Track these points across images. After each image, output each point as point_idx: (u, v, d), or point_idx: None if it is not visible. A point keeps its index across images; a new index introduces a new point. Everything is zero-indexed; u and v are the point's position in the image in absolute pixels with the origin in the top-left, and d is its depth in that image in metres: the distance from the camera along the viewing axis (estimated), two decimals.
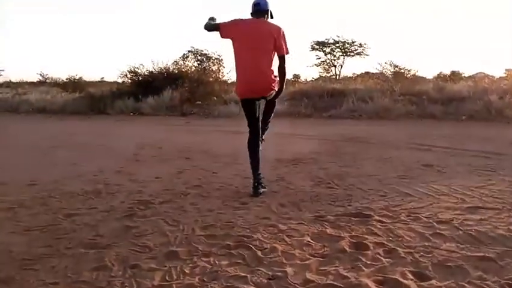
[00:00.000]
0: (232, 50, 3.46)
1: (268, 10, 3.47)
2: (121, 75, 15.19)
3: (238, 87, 3.53)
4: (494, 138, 6.85)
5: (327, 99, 12.24)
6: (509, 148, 5.89)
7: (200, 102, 13.72)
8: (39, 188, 3.76)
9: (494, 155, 5.32)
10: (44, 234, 2.54)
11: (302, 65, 32.84)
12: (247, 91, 3.46)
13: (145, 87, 13.67)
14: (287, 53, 3.41)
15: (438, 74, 28.62)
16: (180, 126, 10.27)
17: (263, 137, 3.76)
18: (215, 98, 14.27)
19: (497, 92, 10.79)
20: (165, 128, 9.73)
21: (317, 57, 27.70)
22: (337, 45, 26.62)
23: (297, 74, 26.95)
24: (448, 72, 27.62)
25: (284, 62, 3.44)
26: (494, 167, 4.51)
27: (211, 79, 14.80)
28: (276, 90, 3.50)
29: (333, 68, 27.65)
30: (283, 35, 3.38)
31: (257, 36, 3.34)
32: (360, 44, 26.46)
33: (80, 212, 3.01)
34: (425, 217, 2.80)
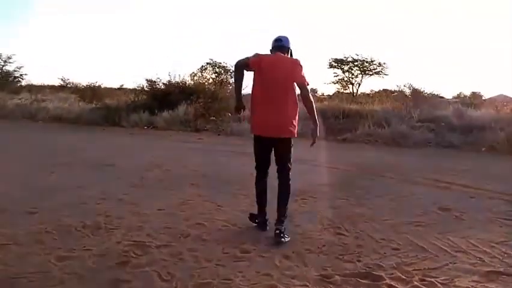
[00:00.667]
0: (252, 83, 3.38)
1: (289, 48, 3.41)
2: (139, 88, 15.22)
3: (255, 121, 3.40)
4: None
5: (342, 121, 12.01)
6: None
7: (214, 118, 13.65)
8: (38, 219, 3.66)
9: None
10: (30, 284, 2.40)
11: (320, 81, 32.56)
12: (264, 128, 3.33)
13: (161, 101, 13.67)
14: (308, 83, 3.30)
15: (458, 95, 28.10)
16: (192, 143, 10.18)
17: (283, 225, 3.32)
18: (230, 114, 14.19)
19: None
20: (177, 146, 9.65)
21: (335, 74, 27.66)
22: (356, 63, 26.49)
23: (314, 88, 26.94)
24: (468, 93, 27.11)
25: (308, 92, 3.31)
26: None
27: (227, 93, 14.71)
28: (295, 131, 3.37)
29: (350, 86, 27.49)
30: (301, 66, 3.30)
31: (279, 71, 3.25)
32: (380, 64, 26.30)
33: (73, 254, 2.87)
34: (441, 283, 2.56)
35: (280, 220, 3.31)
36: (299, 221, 3.86)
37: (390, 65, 26.85)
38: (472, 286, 2.53)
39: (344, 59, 26.48)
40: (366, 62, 26.37)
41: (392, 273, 2.70)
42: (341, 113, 12.47)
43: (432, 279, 2.61)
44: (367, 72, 26.55)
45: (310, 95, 3.32)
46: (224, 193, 4.95)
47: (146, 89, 15.10)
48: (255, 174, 3.59)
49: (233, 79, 3.50)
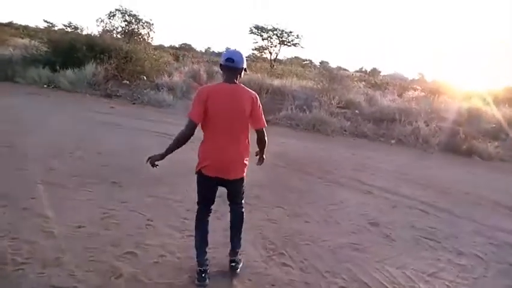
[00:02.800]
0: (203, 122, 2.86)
1: (243, 68, 2.88)
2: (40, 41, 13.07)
3: (204, 159, 2.90)
4: (427, 179, 7.05)
5: (265, 100, 11.86)
6: (442, 198, 6.05)
7: (128, 82, 12.47)
8: None
9: (432, 209, 5.41)
10: None
11: (239, 45, 31.96)
12: (215, 169, 2.89)
13: (65, 57, 11.95)
14: (264, 125, 2.95)
15: (360, 69, 30.03)
16: (104, 115, 9.12)
17: (238, 256, 3.18)
18: (145, 77, 13.10)
19: (424, 114, 11.35)
20: (86, 117, 8.54)
21: (254, 41, 27.33)
22: (275, 32, 26.37)
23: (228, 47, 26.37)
24: (368, 68, 29.18)
25: (264, 135, 3.01)
26: (436, 234, 4.52)
27: (143, 56, 13.47)
28: (244, 173, 3.04)
29: (268, 55, 27.47)
30: (259, 104, 2.89)
31: (234, 109, 2.78)
32: (297, 36, 26.54)
33: None
34: None
35: (235, 252, 3.13)
36: (243, 244, 3.61)
37: (306, 37, 27.40)
38: None
39: (265, 26, 26.16)
40: (285, 32, 26.41)
41: None
42: (265, 90, 12.30)
43: None
44: (285, 43, 26.65)
45: (266, 138, 3.05)
46: (153, 198, 4.46)
47: (44, 38, 13.06)
48: (195, 211, 3.13)
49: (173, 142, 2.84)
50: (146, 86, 12.34)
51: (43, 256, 2.96)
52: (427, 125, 10.70)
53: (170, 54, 23.13)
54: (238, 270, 3.10)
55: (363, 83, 20.99)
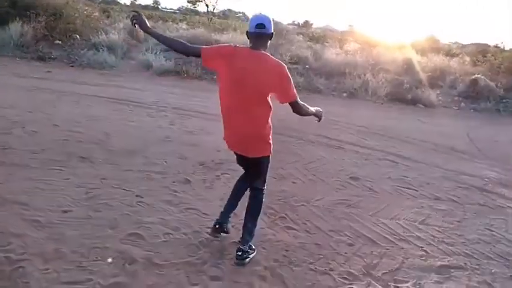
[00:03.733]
0: (218, 80, 2.67)
1: (272, 34, 2.56)
2: None
3: (224, 134, 2.76)
4: (386, 130, 7.38)
5: None
6: (404, 147, 6.40)
7: (61, 42, 11.27)
8: None
9: (399, 159, 5.71)
10: None
11: None
12: (232, 142, 2.74)
13: None
14: (294, 97, 2.57)
15: (292, 22, 30.13)
16: (42, 80, 8.21)
17: (246, 246, 2.84)
18: (78, 36, 11.92)
19: (369, 67, 11.74)
20: (24, 85, 7.61)
21: None
22: None
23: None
24: (302, 21, 29.43)
25: (299, 107, 2.63)
26: (411, 183, 4.80)
27: (74, 12, 12.14)
28: (270, 149, 2.74)
29: (204, 8, 26.27)
30: (288, 75, 2.53)
31: (253, 77, 2.46)
32: None
33: None
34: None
35: (245, 240, 2.83)
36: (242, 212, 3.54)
37: None
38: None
39: None
40: None
41: (369, 283, 2.73)
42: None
43: (404, 285, 2.75)
44: None
45: (301, 109, 2.66)
46: (132, 172, 4.17)
47: None
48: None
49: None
50: (82, 46, 11.24)
51: (40, 249, 2.65)
52: (374, 77, 11.10)
53: (96, 9, 21.16)
54: (245, 262, 2.77)
55: (301, 36, 20.99)
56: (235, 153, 2.79)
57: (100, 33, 11.97)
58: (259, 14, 2.58)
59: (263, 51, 2.54)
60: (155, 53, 11.10)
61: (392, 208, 4.02)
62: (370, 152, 5.96)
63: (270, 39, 2.57)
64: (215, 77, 10.76)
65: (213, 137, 5.69)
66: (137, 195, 3.65)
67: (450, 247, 3.36)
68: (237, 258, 2.77)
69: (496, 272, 3.05)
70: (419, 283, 2.81)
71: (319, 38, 22.37)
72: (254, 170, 2.83)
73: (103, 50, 10.87)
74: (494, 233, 3.73)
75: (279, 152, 5.39)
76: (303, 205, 3.88)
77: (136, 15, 2.57)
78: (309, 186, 4.37)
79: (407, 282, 2.80)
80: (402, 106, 10.42)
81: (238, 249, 2.79)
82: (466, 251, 3.32)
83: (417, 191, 4.59)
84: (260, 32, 2.51)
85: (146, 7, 47.26)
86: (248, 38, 2.56)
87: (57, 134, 5.02)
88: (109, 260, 2.63)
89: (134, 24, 2.57)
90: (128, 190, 3.74)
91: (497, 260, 3.23)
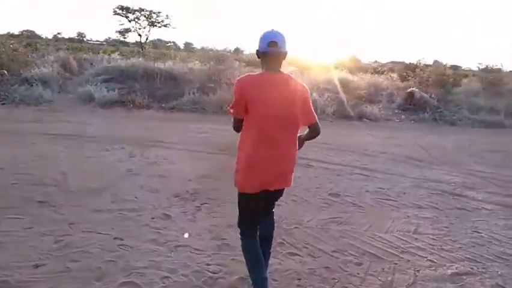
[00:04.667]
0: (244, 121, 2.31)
1: (287, 53, 2.29)
2: None
3: (247, 174, 2.30)
4: (346, 145, 7.49)
5: (160, 85, 11.06)
6: (367, 160, 6.52)
7: None
8: None
9: (367, 171, 5.77)
10: None
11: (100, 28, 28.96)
12: (264, 182, 2.30)
13: None
14: (316, 119, 2.37)
15: (224, 49, 30.66)
16: None
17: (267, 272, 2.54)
18: (5, 72, 10.90)
19: (314, 87, 12.04)
20: None
21: (120, 23, 25.22)
22: (142, 12, 24.76)
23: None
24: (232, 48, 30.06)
25: (319, 130, 2.40)
26: (389, 194, 4.83)
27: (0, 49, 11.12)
28: None
29: (136, 37, 25.76)
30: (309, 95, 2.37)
31: (287, 106, 2.23)
32: (167, 16, 25.42)
33: None
34: None
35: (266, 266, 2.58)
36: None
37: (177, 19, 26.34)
38: None
39: (130, 7, 24.29)
40: (154, 12, 25.02)
41: None
42: (157, 75, 11.43)
43: None
44: (155, 24, 25.27)
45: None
46: (103, 213, 3.71)
47: None
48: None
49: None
50: (12, 82, 10.28)
51: None
52: (320, 97, 11.39)
53: (21, 43, 19.78)
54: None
55: (237, 62, 21.22)
56: (255, 197, 2.34)
57: (30, 67, 11.07)
58: (272, 30, 2.28)
59: (284, 73, 2.29)
60: (96, 84, 10.48)
61: (382, 221, 3.97)
62: (339, 167, 5.96)
63: (284, 59, 2.30)
64: (163, 105, 10.54)
65: (179, 166, 5.39)
66: (116, 238, 3.22)
67: (451, 254, 3.34)
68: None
69: (502, 273, 3.07)
70: None
71: (255, 63, 22.87)
72: (277, 197, 2.51)
73: (36, 85, 10.03)
74: (482, 234, 3.80)
75: None
76: (296, 227, 3.69)
77: None
78: (295, 208, 4.20)
79: None
80: (350, 122, 10.76)
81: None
82: (467, 256, 3.32)
83: (397, 201, 4.61)
84: (274, 52, 2.23)
85: (71, 40, 45.21)
86: (259, 58, 2.29)
87: (4, 178, 4.38)
88: None
89: None
90: (104, 233, 3.30)
91: (498, 261, 3.26)
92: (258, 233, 2.48)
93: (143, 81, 11.10)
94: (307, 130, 2.42)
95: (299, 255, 3.16)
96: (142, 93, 10.07)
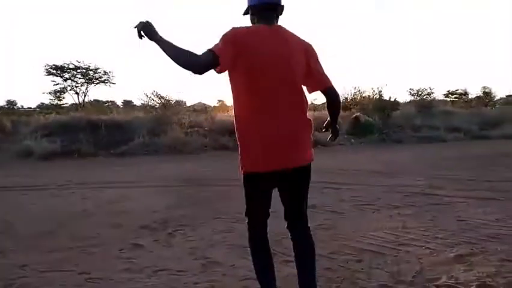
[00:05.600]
0: (233, 84, 1.87)
1: (283, 7, 1.93)
2: None
3: (253, 151, 1.83)
4: (317, 166, 7.41)
5: (106, 133, 10.51)
6: (335, 176, 6.45)
7: None
8: None
9: (338, 185, 5.67)
10: None
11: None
12: (273, 157, 1.82)
13: None
14: (332, 83, 1.96)
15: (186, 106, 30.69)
16: None
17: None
18: None
19: None
20: None
21: (54, 83, 24.19)
22: (79, 70, 24.02)
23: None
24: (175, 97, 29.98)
25: (338, 95, 2.00)
26: (365, 200, 4.72)
27: None
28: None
29: (75, 96, 24.80)
30: (318, 55, 1.97)
31: (286, 57, 1.83)
32: (105, 72, 24.85)
33: None
34: (452, 283, 2.44)
35: None
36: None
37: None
38: (473, 276, 2.52)
39: (65, 65, 23.49)
40: (91, 70, 24.38)
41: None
42: (101, 124, 10.89)
43: (441, 282, 2.45)
44: (92, 81, 24.58)
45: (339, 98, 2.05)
46: (61, 252, 3.20)
47: None
48: (247, 235, 2.09)
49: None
50: None
51: None
52: None
53: None
54: None
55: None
56: (265, 179, 1.89)
57: None
58: None
59: (280, 25, 1.92)
60: (35, 139, 9.73)
61: (367, 222, 3.81)
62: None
63: (281, 15, 1.93)
64: (112, 151, 9.93)
65: (140, 202, 4.96)
66: (81, 273, 2.73)
67: (446, 240, 3.22)
68: None
69: (502, 249, 2.97)
70: (452, 275, 2.54)
71: (201, 109, 22.96)
72: (302, 184, 2.00)
73: None
74: (467, 221, 3.74)
75: (224, 198, 4.93)
76: (283, 238, 3.38)
77: (145, 25, 1.77)
78: (276, 221, 3.91)
79: (440, 278, 2.50)
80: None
81: None
82: (462, 240, 3.21)
83: (374, 205, 4.50)
84: (267, 3, 1.86)
85: (1, 108, 42.61)
86: (253, 14, 1.92)
87: None
88: None
89: (141, 36, 1.78)
90: (66, 270, 2.80)
91: (493, 241, 3.17)
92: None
93: (86, 132, 10.47)
94: (326, 107, 2.02)
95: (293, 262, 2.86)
96: (87, 143, 9.47)
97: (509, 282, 2.42)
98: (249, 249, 2.12)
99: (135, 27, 1.78)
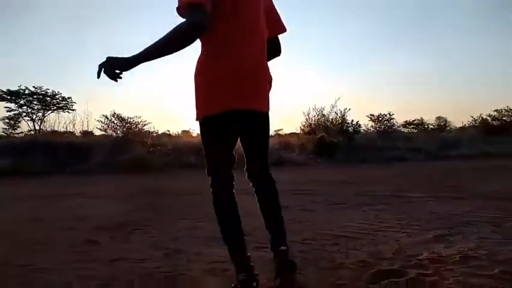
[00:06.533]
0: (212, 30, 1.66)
1: None
2: None
3: (219, 86, 1.67)
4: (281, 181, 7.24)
5: (63, 154, 9.94)
6: (306, 185, 6.32)
7: None
8: None
9: (308, 191, 5.53)
10: None
11: None
12: (240, 92, 1.69)
13: None
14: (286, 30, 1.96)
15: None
16: None
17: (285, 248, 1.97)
18: None
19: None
20: None
21: (8, 109, 23.03)
22: (35, 96, 23.06)
23: None
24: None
25: (280, 47, 2.00)
26: (335, 200, 4.60)
27: None
28: None
29: (30, 123, 23.65)
30: None
31: (256, 8, 1.77)
32: (64, 98, 24.00)
33: None
34: (434, 257, 2.30)
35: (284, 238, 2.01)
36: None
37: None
38: (454, 250, 2.40)
39: (21, 91, 22.49)
40: (48, 96, 23.47)
41: (392, 264, 2.20)
42: (57, 145, 10.32)
43: (424, 256, 2.31)
44: (50, 107, 23.61)
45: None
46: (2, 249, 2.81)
47: None
48: (214, 228, 1.90)
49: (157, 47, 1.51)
50: None
51: None
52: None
53: None
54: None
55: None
56: (228, 117, 1.71)
57: None
58: None
59: None
60: None
61: (339, 216, 3.67)
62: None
63: None
64: (68, 169, 9.34)
65: (97, 209, 4.59)
66: (24, 265, 2.38)
67: (423, 226, 3.11)
68: (286, 265, 1.91)
69: (478, 231, 2.90)
70: (433, 251, 2.41)
71: (165, 135, 22.57)
72: (264, 133, 1.90)
73: None
74: (439, 213, 3.68)
75: (189, 205, 4.68)
76: (255, 230, 3.16)
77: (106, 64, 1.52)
78: (250, 219, 3.69)
79: (421, 254, 2.36)
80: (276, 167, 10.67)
81: (284, 250, 1.95)
82: (438, 225, 3.12)
83: (345, 204, 4.38)
84: None
85: None
86: None
87: None
88: None
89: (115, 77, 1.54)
90: (8, 263, 2.43)
91: (469, 226, 3.09)
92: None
93: (41, 153, 9.84)
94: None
95: (268, 248, 2.64)
96: (41, 162, 8.89)
97: (491, 252, 2.32)
98: (216, 237, 1.93)
99: (98, 76, 1.52)
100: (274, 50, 1.98)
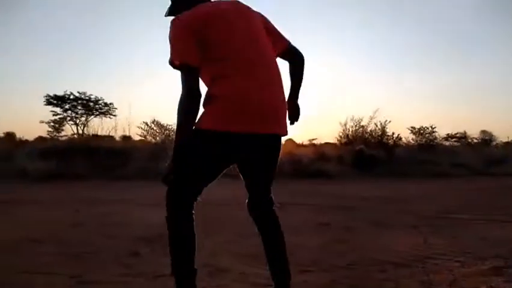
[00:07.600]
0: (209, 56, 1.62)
1: None
2: None
3: (228, 107, 1.59)
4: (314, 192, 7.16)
5: (103, 158, 10.27)
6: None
7: None
8: None
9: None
10: None
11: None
12: (249, 115, 1.60)
13: None
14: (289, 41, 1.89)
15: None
16: None
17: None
18: None
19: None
20: None
21: (53, 113, 24.11)
22: (79, 101, 24.05)
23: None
24: None
25: (301, 54, 1.91)
26: (375, 218, 4.44)
27: None
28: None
29: (74, 127, 24.66)
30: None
31: (252, 27, 1.72)
32: (106, 103, 24.88)
33: None
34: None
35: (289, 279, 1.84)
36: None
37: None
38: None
39: (66, 96, 23.51)
40: (91, 101, 24.41)
41: None
42: (100, 150, 10.69)
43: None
44: (93, 112, 24.54)
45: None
46: (46, 256, 2.89)
47: None
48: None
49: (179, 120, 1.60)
50: None
51: None
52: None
53: None
54: None
55: None
56: (231, 141, 1.61)
57: None
58: None
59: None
60: (31, 159, 9.50)
61: (385, 237, 3.56)
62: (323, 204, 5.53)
63: None
64: (109, 174, 9.62)
65: (136, 216, 4.64)
66: (72, 277, 2.42)
67: (475, 254, 2.93)
68: None
69: None
70: (491, 285, 2.24)
71: None
72: (275, 160, 1.78)
73: None
74: (490, 240, 3.46)
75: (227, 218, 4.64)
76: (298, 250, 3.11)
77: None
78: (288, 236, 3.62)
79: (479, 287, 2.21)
80: (309, 180, 10.53)
81: None
82: (492, 254, 2.93)
83: (390, 223, 4.22)
84: None
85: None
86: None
87: None
88: None
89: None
90: (55, 273, 2.49)
91: None
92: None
93: (83, 156, 10.21)
94: (289, 68, 1.89)
95: (313, 271, 2.56)
96: (82, 166, 9.23)
97: None
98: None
99: (166, 181, 1.72)
100: (292, 60, 1.89)
